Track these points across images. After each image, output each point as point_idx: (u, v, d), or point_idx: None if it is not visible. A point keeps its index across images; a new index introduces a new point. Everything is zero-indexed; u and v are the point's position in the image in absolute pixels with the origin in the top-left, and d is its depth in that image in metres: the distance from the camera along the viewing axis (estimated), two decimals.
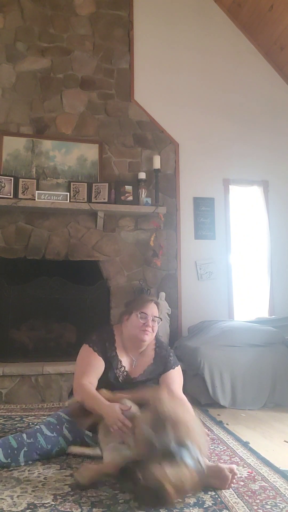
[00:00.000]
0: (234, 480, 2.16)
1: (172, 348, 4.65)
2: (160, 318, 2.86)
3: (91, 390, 2.52)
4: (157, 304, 2.86)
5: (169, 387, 2.68)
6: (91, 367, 2.64)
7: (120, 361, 2.73)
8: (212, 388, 3.92)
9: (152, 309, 2.77)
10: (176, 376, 2.78)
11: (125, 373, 2.73)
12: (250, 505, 1.98)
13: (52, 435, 2.54)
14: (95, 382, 2.60)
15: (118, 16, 5.28)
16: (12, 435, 2.51)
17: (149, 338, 2.73)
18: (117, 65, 5.22)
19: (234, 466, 2.20)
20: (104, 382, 2.64)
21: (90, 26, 5.19)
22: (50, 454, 2.52)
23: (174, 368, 2.79)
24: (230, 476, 2.13)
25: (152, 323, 2.73)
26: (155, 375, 2.77)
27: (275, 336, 4.26)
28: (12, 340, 4.73)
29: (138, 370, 2.76)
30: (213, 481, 2.13)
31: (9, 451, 2.40)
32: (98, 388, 2.58)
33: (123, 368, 2.73)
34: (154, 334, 2.79)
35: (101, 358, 2.67)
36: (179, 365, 2.84)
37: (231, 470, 2.15)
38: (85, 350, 2.71)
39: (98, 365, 2.66)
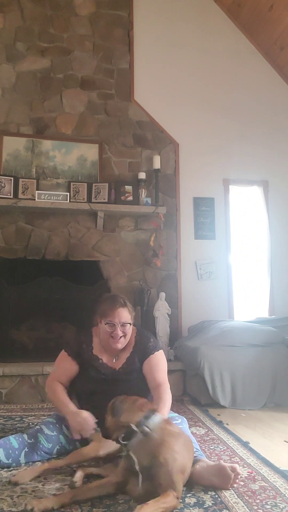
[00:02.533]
0: (237, 480, 2.15)
1: (172, 348, 4.68)
2: (130, 323, 2.69)
3: (57, 390, 2.66)
4: (124, 305, 2.69)
5: (152, 375, 2.66)
6: (60, 369, 2.76)
7: (100, 359, 2.71)
8: (212, 388, 3.91)
9: (119, 315, 2.64)
10: (157, 362, 2.72)
11: (105, 366, 2.70)
12: (250, 505, 1.97)
13: (53, 434, 2.55)
14: (65, 383, 2.72)
15: (118, 16, 5.28)
16: (12, 436, 2.51)
17: (121, 345, 2.68)
18: (117, 65, 5.23)
19: (236, 466, 2.17)
20: (88, 380, 2.68)
21: (90, 26, 5.20)
22: (52, 453, 2.52)
23: (153, 353, 2.72)
24: (233, 475, 2.10)
25: (122, 329, 2.64)
26: (137, 363, 2.71)
27: (275, 336, 4.26)
28: (12, 340, 4.73)
29: (120, 362, 2.73)
30: (214, 479, 2.11)
31: (10, 451, 2.40)
32: (86, 387, 2.69)
33: (103, 364, 2.70)
34: (128, 337, 2.71)
35: (74, 361, 2.73)
36: (160, 350, 2.78)
37: (234, 469, 2.12)
38: (60, 355, 2.80)
39: (69, 368, 2.73)
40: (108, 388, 2.54)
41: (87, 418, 2.45)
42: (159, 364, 2.72)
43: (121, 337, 2.64)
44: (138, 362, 2.71)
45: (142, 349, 2.73)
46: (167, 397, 2.57)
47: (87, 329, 2.88)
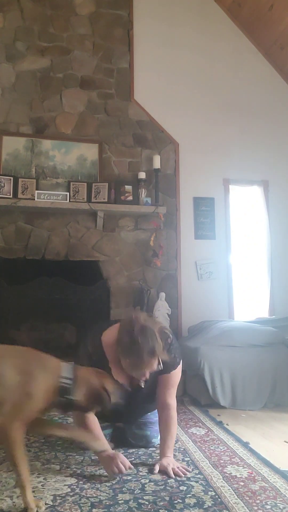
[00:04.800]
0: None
1: None
2: (161, 367, 2.39)
3: (89, 419, 2.40)
4: (153, 354, 2.27)
5: (164, 391, 2.55)
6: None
7: (110, 369, 2.48)
8: (212, 389, 3.91)
9: (150, 368, 2.32)
10: (174, 379, 2.59)
11: (122, 389, 2.42)
12: (250, 505, 1.97)
13: None
14: None
15: (118, 15, 5.27)
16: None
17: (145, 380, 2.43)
18: (117, 64, 5.22)
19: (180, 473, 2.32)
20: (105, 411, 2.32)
21: (90, 26, 5.19)
22: None
23: (175, 369, 2.56)
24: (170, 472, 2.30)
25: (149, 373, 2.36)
26: (153, 377, 2.48)
27: (275, 337, 4.25)
28: (12, 341, 4.71)
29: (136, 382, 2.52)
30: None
31: None
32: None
33: (122, 387, 2.45)
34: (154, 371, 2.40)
35: None
36: (180, 362, 2.61)
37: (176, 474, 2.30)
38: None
39: None
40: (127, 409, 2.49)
41: (124, 462, 2.30)
42: (174, 380, 2.60)
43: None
44: (155, 376, 2.51)
45: (165, 367, 2.47)
46: (174, 429, 2.55)
47: (94, 334, 2.59)
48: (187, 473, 2.34)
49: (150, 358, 2.25)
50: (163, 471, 2.33)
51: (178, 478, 2.27)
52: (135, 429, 2.78)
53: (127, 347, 2.27)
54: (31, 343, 4.80)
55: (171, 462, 2.38)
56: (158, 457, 2.51)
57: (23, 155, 4.82)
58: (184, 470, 2.35)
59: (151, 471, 2.35)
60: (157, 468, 2.35)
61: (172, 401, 2.58)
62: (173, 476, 2.28)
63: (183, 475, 2.30)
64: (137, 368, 2.29)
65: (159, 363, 2.34)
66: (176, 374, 2.62)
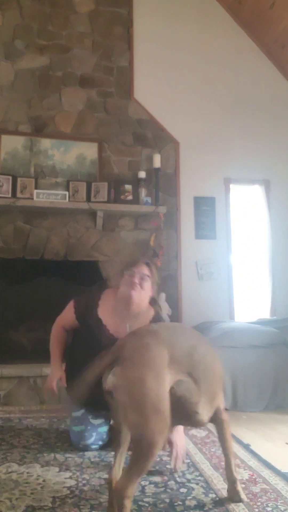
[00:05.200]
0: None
1: None
2: (148, 275, 2.67)
3: (54, 343, 2.88)
4: (148, 265, 2.70)
5: None
6: (65, 318, 2.89)
7: (103, 324, 2.73)
8: None
9: (140, 267, 2.65)
10: None
11: (105, 332, 2.71)
12: (251, 507, 1.95)
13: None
14: (69, 329, 2.89)
15: (118, 13, 5.25)
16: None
17: (136, 294, 2.59)
18: (116, 63, 5.19)
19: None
20: (82, 342, 2.82)
21: (89, 24, 5.17)
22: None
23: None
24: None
25: (140, 280, 2.61)
26: None
27: (276, 337, 4.23)
28: (11, 341, 4.71)
29: (124, 332, 2.64)
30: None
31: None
32: (78, 347, 2.83)
33: (104, 329, 2.72)
34: (144, 292, 2.65)
35: (76, 320, 2.82)
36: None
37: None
38: (69, 305, 2.88)
39: (71, 321, 2.85)
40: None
41: (51, 378, 2.78)
42: None
43: (137, 286, 2.61)
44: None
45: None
46: None
47: (96, 291, 2.91)
48: (180, 464, 2.40)
49: (144, 261, 2.71)
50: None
51: (178, 480, 2.25)
52: None
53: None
54: (30, 343, 4.78)
55: (180, 438, 2.49)
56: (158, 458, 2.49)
57: (22, 154, 4.79)
58: (180, 459, 2.41)
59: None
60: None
61: None
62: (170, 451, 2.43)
63: (176, 464, 2.38)
64: (131, 263, 2.69)
65: (147, 274, 2.66)
66: None
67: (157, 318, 2.76)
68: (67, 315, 2.86)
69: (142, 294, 2.64)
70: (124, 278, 2.66)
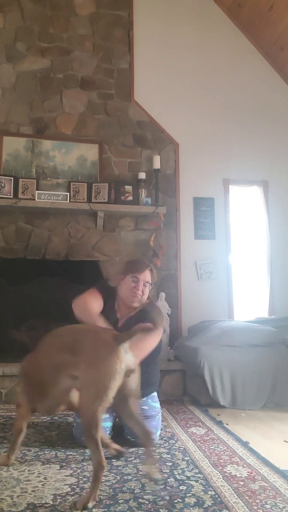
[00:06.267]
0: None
1: (172, 348, 4.68)
2: (151, 284, 2.97)
3: (91, 309, 2.78)
4: (151, 271, 2.97)
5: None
6: (92, 299, 2.87)
7: (116, 315, 2.95)
8: (212, 388, 3.91)
9: (145, 275, 2.90)
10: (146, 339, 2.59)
11: (114, 319, 2.92)
12: (250, 505, 1.97)
13: None
14: (98, 308, 2.84)
15: (118, 16, 5.28)
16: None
17: (138, 301, 2.89)
18: (117, 65, 5.22)
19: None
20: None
21: (90, 26, 5.20)
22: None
23: (157, 326, 2.52)
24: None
25: (143, 288, 2.88)
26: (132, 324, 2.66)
27: (275, 336, 4.26)
28: (12, 340, 4.73)
29: (121, 321, 2.94)
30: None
31: None
32: None
33: (115, 317, 2.95)
34: (145, 297, 2.93)
35: (102, 300, 2.91)
36: (159, 330, 2.56)
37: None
38: (90, 291, 2.95)
39: (99, 302, 2.89)
40: None
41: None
42: (151, 342, 2.67)
43: (139, 294, 2.87)
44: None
45: (144, 316, 2.71)
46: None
47: (112, 287, 3.06)
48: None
49: (148, 266, 2.96)
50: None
51: (178, 477, 2.28)
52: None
53: (129, 260, 3.14)
54: (31, 342, 4.80)
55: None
56: (158, 456, 2.53)
57: (23, 155, 4.82)
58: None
59: None
60: None
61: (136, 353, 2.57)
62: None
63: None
64: (136, 268, 2.90)
65: (150, 283, 2.93)
66: (154, 337, 2.66)
67: (150, 304, 2.99)
68: (93, 296, 2.91)
69: (143, 298, 2.93)
70: (127, 282, 2.90)
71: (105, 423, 2.74)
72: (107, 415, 2.75)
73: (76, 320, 2.79)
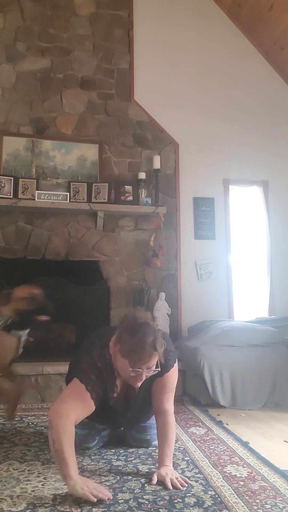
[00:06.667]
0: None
1: None
2: (158, 370, 2.29)
3: (63, 435, 2.10)
4: (155, 350, 2.18)
5: (159, 396, 2.46)
6: (74, 403, 2.24)
7: (117, 387, 2.42)
8: (212, 388, 3.91)
9: (149, 363, 2.22)
10: (170, 381, 2.49)
11: (117, 395, 2.44)
12: (250, 505, 1.97)
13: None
14: (77, 419, 2.23)
15: (118, 16, 5.28)
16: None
17: (140, 383, 2.30)
18: (117, 65, 5.22)
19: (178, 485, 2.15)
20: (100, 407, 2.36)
21: (90, 26, 5.20)
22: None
23: (169, 371, 2.45)
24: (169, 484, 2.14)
25: (147, 372, 2.24)
26: (149, 382, 2.41)
27: (275, 336, 4.26)
28: None
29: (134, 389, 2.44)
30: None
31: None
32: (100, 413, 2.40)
33: (117, 392, 2.43)
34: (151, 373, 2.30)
35: (93, 401, 2.28)
36: (176, 362, 2.50)
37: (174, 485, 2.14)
38: (74, 384, 2.31)
39: (88, 407, 2.29)
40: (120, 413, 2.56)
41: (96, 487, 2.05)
42: (171, 383, 2.50)
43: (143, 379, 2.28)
44: (150, 380, 2.42)
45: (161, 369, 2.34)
46: (172, 436, 2.40)
47: (102, 349, 2.37)
48: (186, 485, 2.16)
49: (152, 351, 2.16)
50: (161, 482, 2.17)
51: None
52: (135, 433, 2.77)
53: (128, 341, 2.17)
54: (31, 343, 4.80)
55: (169, 472, 2.21)
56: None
57: (23, 155, 4.82)
58: (182, 481, 2.17)
59: (149, 481, 2.20)
60: (155, 478, 2.19)
61: (169, 406, 2.47)
62: (171, 488, 2.11)
63: (181, 488, 2.12)
64: (137, 362, 2.17)
65: (157, 365, 2.26)
66: (172, 377, 2.50)
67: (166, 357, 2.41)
68: (79, 395, 2.27)
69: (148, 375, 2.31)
70: (125, 366, 2.22)
71: (104, 432, 2.75)
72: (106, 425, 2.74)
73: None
